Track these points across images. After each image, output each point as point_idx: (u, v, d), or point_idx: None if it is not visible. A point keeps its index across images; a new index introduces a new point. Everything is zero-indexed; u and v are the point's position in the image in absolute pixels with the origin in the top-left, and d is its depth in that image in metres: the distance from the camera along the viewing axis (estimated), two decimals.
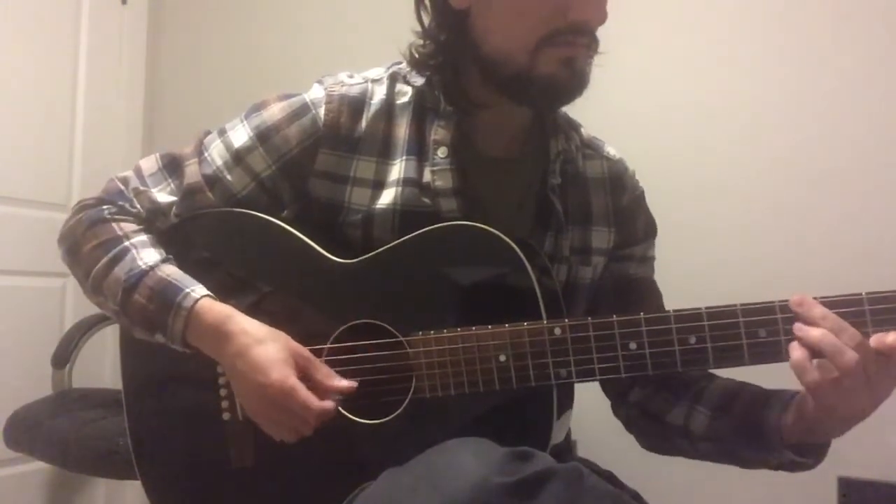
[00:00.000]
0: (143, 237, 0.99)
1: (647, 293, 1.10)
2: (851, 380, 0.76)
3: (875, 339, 0.77)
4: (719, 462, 0.99)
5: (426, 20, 1.00)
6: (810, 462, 0.89)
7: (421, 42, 1.01)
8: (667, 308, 0.88)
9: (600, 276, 1.07)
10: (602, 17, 0.92)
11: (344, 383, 0.89)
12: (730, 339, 0.82)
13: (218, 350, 0.91)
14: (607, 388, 1.10)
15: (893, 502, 1.57)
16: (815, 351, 0.78)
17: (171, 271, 0.95)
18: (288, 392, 0.85)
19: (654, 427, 1.04)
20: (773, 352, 0.81)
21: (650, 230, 1.12)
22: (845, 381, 0.77)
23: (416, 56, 1.01)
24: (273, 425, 0.89)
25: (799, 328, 0.79)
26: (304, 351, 0.90)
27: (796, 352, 0.79)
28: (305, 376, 0.88)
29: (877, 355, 0.77)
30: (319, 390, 0.87)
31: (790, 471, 0.92)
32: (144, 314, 0.93)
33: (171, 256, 0.98)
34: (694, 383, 1.02)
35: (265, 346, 0.88)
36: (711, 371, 1.03)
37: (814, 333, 0.78)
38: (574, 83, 0.93)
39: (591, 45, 0.93)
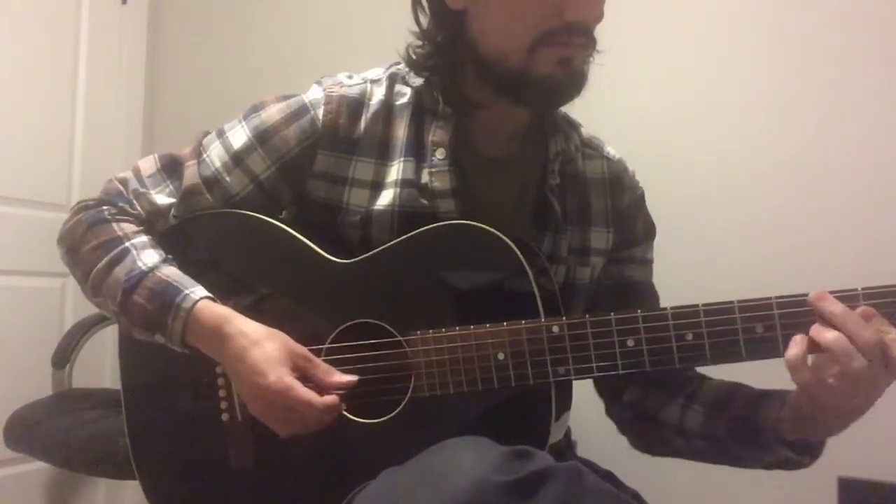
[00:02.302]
0: (143, 238, 0.99)
1: (645, 296, 1.10)
2: (854, 383, 0.76)
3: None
4: (714, 461, 0.99)
5: (423, 21, 1.00)
6: (806, 460, 0.90)
7: (418, 43, 1.01)
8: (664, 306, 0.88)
9: (599, 278, 1.07)
10: (598, 17, 0.92)
11: (344, 379, 0.89)
12: (727, 335, 0.82)
13: (217, 352, 0.91)
14: (602, 388, 1.10)
15: (893, 502, 1.56)
16: (823, 350, 0.78)
17: (171, 272, 0.95)
18: (284, 391, 0.85)
19: (648, 427, 1.04)
20: (770, 348, 0.81)
21: (649, 232, 1.12)
22: (846, 384, 0.76)
23: (414, 57, 1.01)
24: (280, 425, 0.89)
25: (816, 330, 0.78)
26: (302, 350, 0.90)
27: (793, 349, 0.78)
28: (305, 375, 0.88)
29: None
30: (320, 387, 0.87)
31: (786, 469, 0.92)
32: (144, 315, 0.93)
33: (170, 257, 0.98)
34: (688, 383, 1.02)
35: (262, 347, 0.88)
36: (706, 371, 1.03)
37: (828, 336, 0.77)
38: (571, 83, 0.93)
39: (589, 44, 0.93)
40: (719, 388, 1.00)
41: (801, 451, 0.89)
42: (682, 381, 1.03)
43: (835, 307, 0.78)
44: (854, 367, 0.76)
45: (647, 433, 1.06)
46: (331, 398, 0.87)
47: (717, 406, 0.97)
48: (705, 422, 0.97)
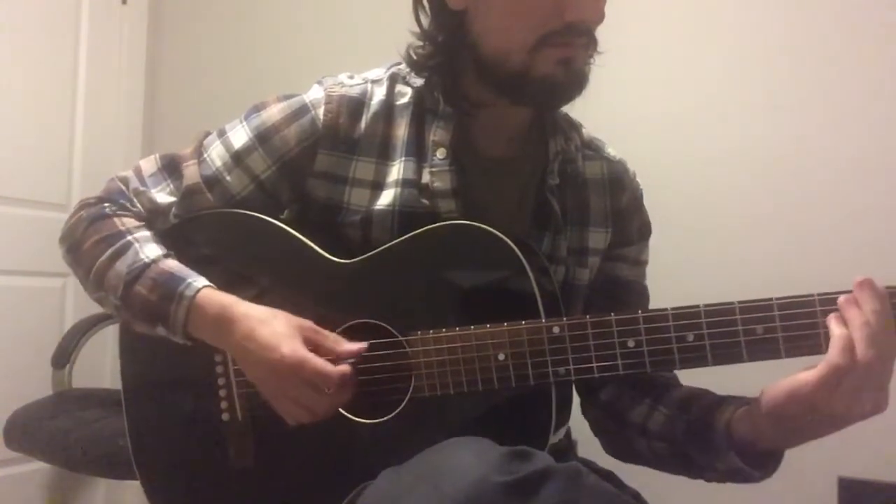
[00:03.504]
0: (146, 232, 0.99)
1: (635, 297, 1.10)
2: (856, 377, 0.75)
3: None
4: (673, 470, 0.98)
5: (424, 21, 1.00)
6: (757, 474, 0.88)
7: (419, 43, 1.01)
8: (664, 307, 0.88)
9: (595, 277, 1.07)
10: (599, 17, 0.92)
11: (355, 346, 0.89)
12: (728, 336, 0.82)
13: (222, 337, 0.91)
14: (580, 385, 1.09)
15: (893, 502, 1.57)
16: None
17: (173, 264, 0.95)
18: (300, 363, 0.85)
19: (616, 426, 1.04)
20: (771, 349, 0.81)
21: (644, 232, 1.12)
22: (851, 377, 0.75)
23: (414, 57, 1.01)
24: (289, 404, 0.89)
25: (844, 303, 0.77)
26: (309, 323, 0.90)
27: (840, 328, 0.76)
28: (314, 347, 0.88)
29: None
30: (333, 356, 0.87)
31: (737, 482, 0.90)
32: (146, 305, 0.93)
33: (172, 252, 0.98)
34: (660, 386, 1.02)
35: (269, 324, 0.88)
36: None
37: (858, 316, 0.76)
38: (572, 83, 0.93)
39: (590, 44, 0.93)
40: (687, 393, 1.00)
41: (752, 463, 0.87)
42: (656, 384, 1.03)
43: (872, 301, 0.76)
44: (865, 357, 0.74)
45: (613, 433, 1.05)
46: (344, 367, 0.86)
47: (680, 408, 0.97)
48: (666, 422, 0.97)
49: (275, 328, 0.88)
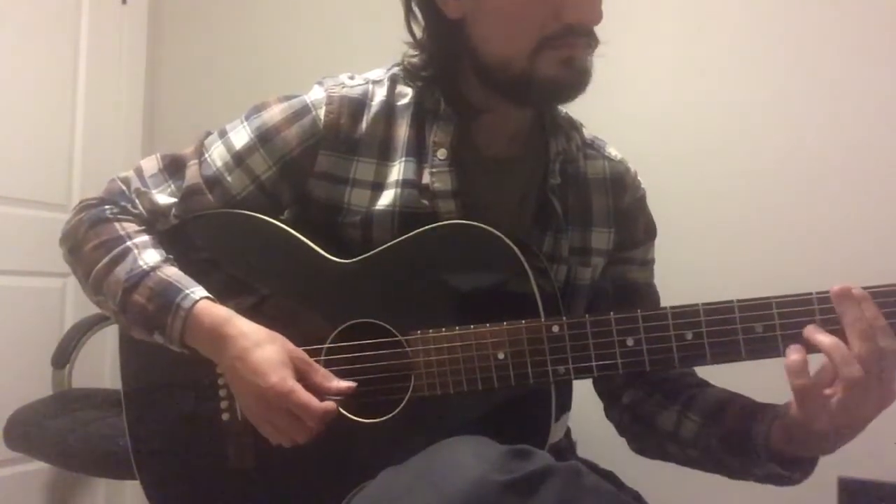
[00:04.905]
0: (145, 238, 0.99)
1: (646, 297, 1.10)
2: (849, 394, 0.76)
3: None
4: (707, 470, 0.98)
5: (417, 31, 1.00)
6: (795, 477, 0.88)
7: (414, 53, 1.01)
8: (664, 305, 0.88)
9: (599, 278, 1.07)
10: (596, 18, 0.91)
11: (342, 384, 0.89)
12: (726, 334, 0.82)
13: (216, 352, 0.91)
14: (601, 389, 1.09)
15: (893, 502, 1.56)
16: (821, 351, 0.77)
17: (172, 272, 0.95)
18: (286, 394, 0.85)
19: (644, 431, 1.04)
20: (770, 347, 0.81)
21: (650, 232, 1.12)
22: (842, 394, 0.76)
23: (410, 67, 1.01)
24: (271, 429, 0.89)
25: (812, 331, 0.78)
26: (302, 354, 0.90)
27: (794, 354, 0.78)
28: (303, 379, 0.88)
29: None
30: (318, 393, 0.87)
31: (778, 484, 0.91)
32: (143, 314, 0.93)
33: (171, 257, 0.98)
34: (686, 389, 1.01)
35: (263, 349, 0.88)
36: (707, 379, 1.03)
37: (825, 340, 0.77)
38: (576, 81, 0.93)
39: (590, 42, 0.93)
40: (716, 398, 0.99)
41: (791, 468, 0.87)
42: (681, 386, 1.02)
43: (850, 309, 0.77)
44: (848, 375, 0.75)
45: (642, 437, 1.06)
46: (329, 404, 0.87)
47: (712, 416, 0.96)
48: (699, 431, 0.96)
49: (268, 353, 0.88)
